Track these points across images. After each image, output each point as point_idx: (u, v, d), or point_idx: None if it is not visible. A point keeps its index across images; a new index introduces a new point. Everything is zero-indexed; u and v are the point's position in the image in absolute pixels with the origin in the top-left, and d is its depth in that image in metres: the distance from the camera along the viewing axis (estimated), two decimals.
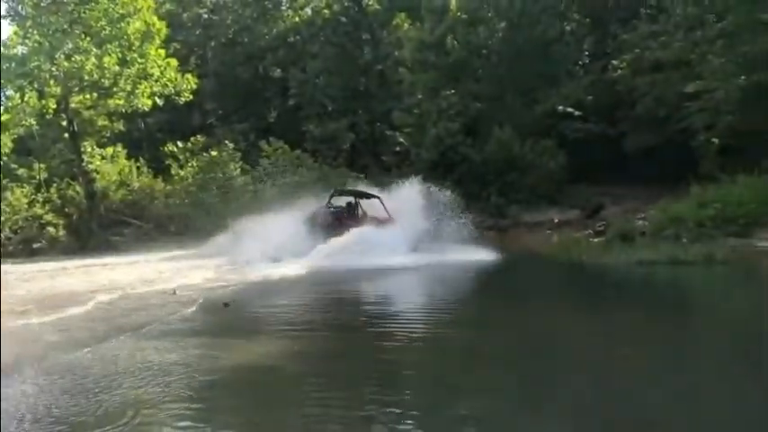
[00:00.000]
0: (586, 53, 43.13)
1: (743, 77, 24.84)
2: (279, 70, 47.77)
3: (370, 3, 46.23)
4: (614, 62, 38.81)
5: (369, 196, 22.53)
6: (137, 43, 29.84)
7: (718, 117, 26.54)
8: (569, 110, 36.71)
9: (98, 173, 30.93)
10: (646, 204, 28.15)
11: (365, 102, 45.76)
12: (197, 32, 47.73)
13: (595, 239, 21.37)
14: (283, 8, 49.20)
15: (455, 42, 40.46)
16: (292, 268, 16.61)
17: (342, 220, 21.05)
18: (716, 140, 27.87)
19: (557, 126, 37.22)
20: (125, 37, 29.45)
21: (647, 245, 18.01)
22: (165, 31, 30.89)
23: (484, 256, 18.24)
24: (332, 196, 22.33)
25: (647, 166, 35.03)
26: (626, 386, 6.58)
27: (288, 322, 10.39)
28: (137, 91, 30.32)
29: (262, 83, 48.29)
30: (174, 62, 31.09)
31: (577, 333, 9.44)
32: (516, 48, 37.60)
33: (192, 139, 34.98)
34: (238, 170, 31.64)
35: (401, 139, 40.47)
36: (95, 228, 28.90)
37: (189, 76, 31.54)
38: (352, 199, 22.73)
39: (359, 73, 45.90)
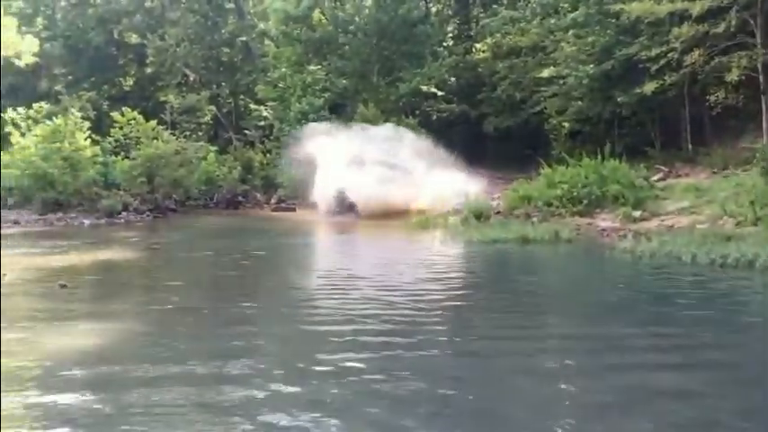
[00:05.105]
0: (450, 35, 43.98)
1: (591, 66, 26.19)
2: (135, 36, 45.04)
3: None
4: (477, 45, 39.86)
5: None
6: None
7: (569, 102, 27.89)
8: (433, 90, 37.30)
9: None
10: (503, 184, 29.27)
11: (228, 74, 44.18)
12: None
13: (453, 217, 21.91)
14: None
15: (322, 17, 39.89)
16: None
17: None
18: (566, 124, 29.36)
19: (420, 106, 37.72)
20: None
21: (500, 223, 18.73)
22: None
23: None
24: None
25: (506, 148, 36.45)
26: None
27: None
28: None
29: (116, 49, 45.39)
30: (11, 22, 28.38)
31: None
32: (382, 26, 37.59)
33: (35, 105, 32.20)
34: (87, 140, 29.44)
35: (265, 113, 39.49)
36: None
37: (30, 37, 28.95)
38: None
39: (222, 44, 44.22)
